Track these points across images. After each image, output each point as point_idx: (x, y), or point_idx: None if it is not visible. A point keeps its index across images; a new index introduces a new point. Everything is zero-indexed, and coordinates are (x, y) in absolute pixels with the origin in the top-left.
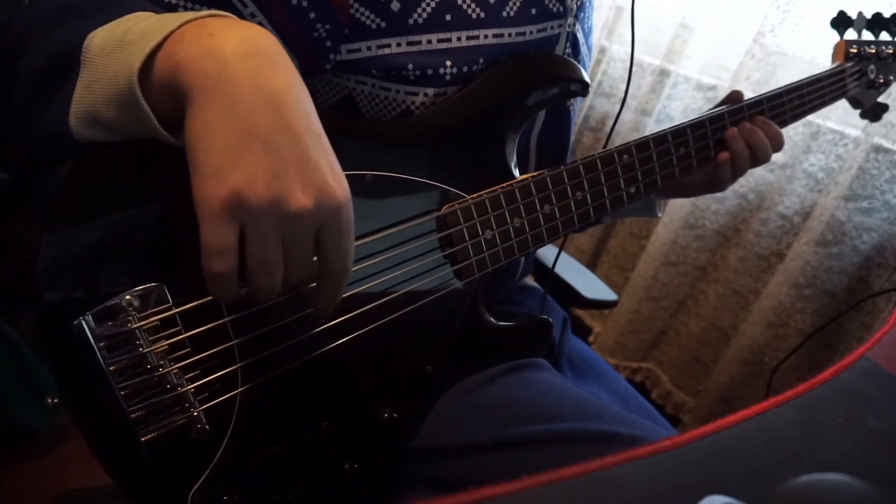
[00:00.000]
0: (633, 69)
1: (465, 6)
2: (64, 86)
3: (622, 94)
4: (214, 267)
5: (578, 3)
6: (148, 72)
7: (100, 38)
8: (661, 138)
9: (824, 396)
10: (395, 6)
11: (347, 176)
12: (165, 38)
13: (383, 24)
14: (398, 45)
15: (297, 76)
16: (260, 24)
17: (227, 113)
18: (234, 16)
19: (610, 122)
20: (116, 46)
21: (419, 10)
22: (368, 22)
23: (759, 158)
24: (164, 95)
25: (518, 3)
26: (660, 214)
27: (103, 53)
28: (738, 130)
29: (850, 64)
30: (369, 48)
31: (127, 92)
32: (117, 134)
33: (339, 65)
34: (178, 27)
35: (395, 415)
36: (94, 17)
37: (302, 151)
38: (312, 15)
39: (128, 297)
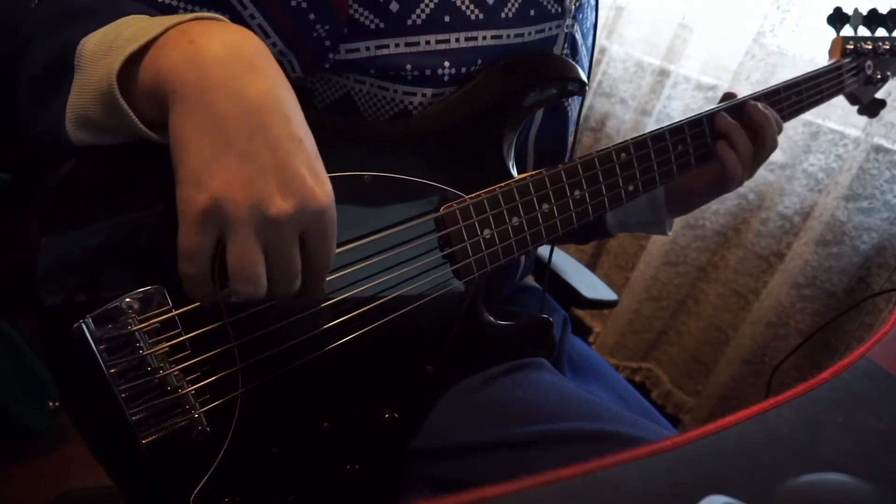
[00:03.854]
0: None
1: (463, 7)
2: (59, 91)
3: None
4: (185, 269)
5: (577, 3)
6: (133, 76)
7: (92, 43)
8: (658, 136)
9: (824, 396)
10: (394, 7)
11: (345, 177)
12: (150, 43)
13: (382, 25)
14: (397, 45)
15: (281, 79)
16: (259, 25)
17: (205, 120)
18: (222, 17)
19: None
20: (106, 51)
21: (418, 11)
22: (367, 22)
23: (760, 139)
24: (149, 100)
25: (516, 5)
26: (668, 233)
27: (94, 58)
28: (729, 115)
29: (847, 60)
30: (368, 48)
31: (108, 93)
32: (110, 136)
33: (338, 64)
34: (163, 32)
35: (396, 415)
36: (88, 22)
37: (281, 157)
38: (312, 16)
39: (127, 299)
